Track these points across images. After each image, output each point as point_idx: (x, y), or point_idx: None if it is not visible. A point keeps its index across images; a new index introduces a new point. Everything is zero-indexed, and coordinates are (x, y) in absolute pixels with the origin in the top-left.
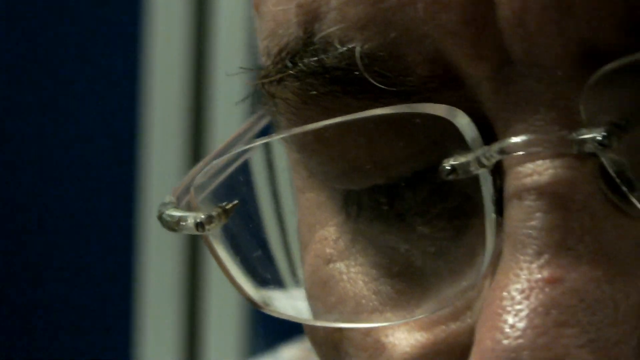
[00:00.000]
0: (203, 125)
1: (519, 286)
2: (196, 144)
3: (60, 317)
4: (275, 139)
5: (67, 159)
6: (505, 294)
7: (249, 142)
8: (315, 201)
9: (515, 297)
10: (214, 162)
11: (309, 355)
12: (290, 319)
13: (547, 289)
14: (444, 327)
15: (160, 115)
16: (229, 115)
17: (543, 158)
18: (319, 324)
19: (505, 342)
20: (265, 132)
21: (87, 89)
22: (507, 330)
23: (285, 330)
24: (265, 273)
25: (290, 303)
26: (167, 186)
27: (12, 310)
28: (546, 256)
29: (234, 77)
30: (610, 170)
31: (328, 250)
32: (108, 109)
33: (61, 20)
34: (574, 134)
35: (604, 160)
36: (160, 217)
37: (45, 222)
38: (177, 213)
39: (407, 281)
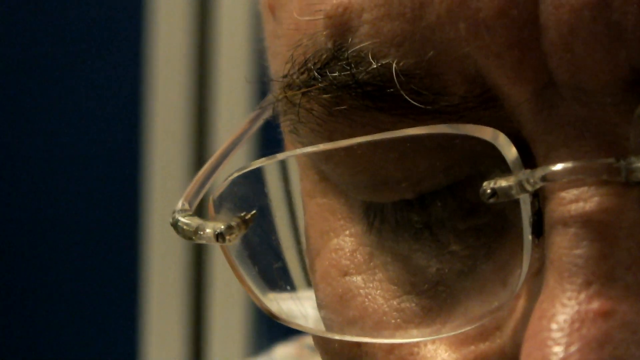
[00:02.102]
0: (206, 127)
1: (567, 317)
2: (200, 146)
3: (65, 317)
4: (304, 152)
5: (71, 161)
6: (554, 325)
7: (244, 141)
8: (328, 207)
9: (565, 328)
10: (235, 174)
11: (303, 354)
12: (309, 331)
13: (598, 322)
14: (472, 347)
15: (164, 116)
16: (232, 117)
17: (588, 185)
18: (345, 337)
19: None
20: (265, 131)
21: (89, 91)
22: None
23: (291, 331)
24: (282, 283)
25: (292, 306)
26: (170, 187)
27: (16, 312)
28: (595, 286)
29: (236, 78)
30: None
31: (344, 262)
32: (111, 111)
33: (64, 20)
34: (622, 162)
35: None
36: (176, 225)
37: (49, 224)
38: (194, 222)
39: (433, 298)
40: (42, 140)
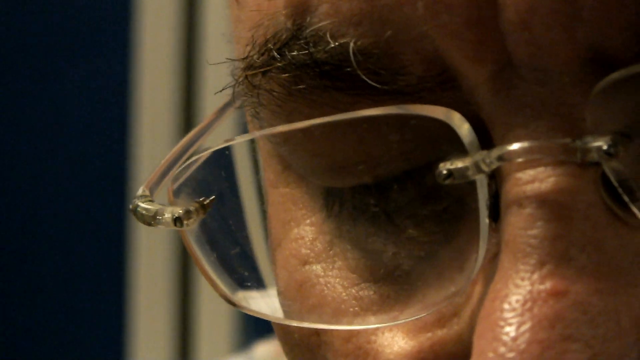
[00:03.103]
0: (194, 123)
1: (520, 297)
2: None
3: (52, 316)
4: (261, 134)
5: (58, 159)
6: (506, 305)
7: (211, 131)
8: (291, 197)
9: (517, 308)
10: (193, 157)
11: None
12: (267, 318)
13: (550, 301)
14: (429, 334)
15: (151, 112)
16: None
17: (544, 165)
18: (303, 324)
19: (510, 355)
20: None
21: (77, 89)
22: (510, 343)
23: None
24: (242, 270)
25: (263, 304)
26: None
27: (3, 311)
28: (549, 267)
29: (224, 72)
30: (613, 179)
31: (304, 251)
32: (98, 110)
33: (52, 17)
34: (578, 142)
35: (606, 169)
36: (135, 211)
37: (35, 222)
38: (152, 207)
39: (391, 285)
40: (27, 139)
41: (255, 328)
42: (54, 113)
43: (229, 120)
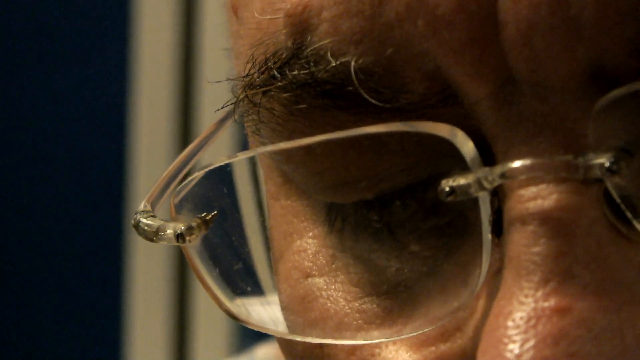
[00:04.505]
0: (192, 128)
1: (524, 314)
2: (185, 147)
3: (49, 319)
4: (263, 151)
5: (54, 165)
6: (510, 322)
7: (210, 143)
8: (292, 209)
9: (521, 325)
10: (196, 173)
11: None
12: (271, 332)
13: (554, 319)
14: (433, 348)
15: (149, 117)
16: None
17: (547, 182)
18: (306, 339)
19: None
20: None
21: (75, 89)
22: None
23: None
24: (244, 284)
25: (261, 311)
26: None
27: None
28: (552, 284)
29: (223, 83)
30: (615, 196)
31: (306, 264)
32: (96, 112)
33: (50, 17)
34: (580, 159)
35: (609, 185)
36: (137, 226)
37: (32, 228)
38: (154, 223)
39: (394, 299)
40: (24, 144)
41: (254, 330)
42: (50, 116)
43: (228, 131)
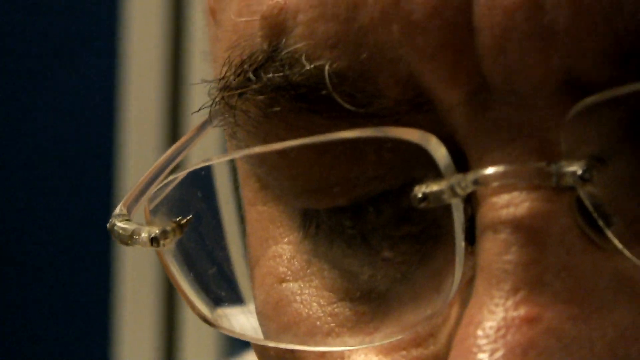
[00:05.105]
0: (181, 131)
1: (494, 324)
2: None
3: (38, 319)
4: (237, 155)
5: (42, 168)
6: (480, 332)
7: (189, 148)
8: (268, 215)
9: (491, 335)
10: (171, 176)
11: None
12: (242, 337)
13: (524, 328)
14: (404, 352)
15: (137, 119)
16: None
17: (519, 189)
18: (271, 344)
19: None
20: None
21: (63, 91)
22: None
23: None
24: (221, 289)
25: (243, 320)
26: None
27: None
28: (522, 293)
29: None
30: (588, 204)
31: (281, 269)
32: (84, 115)
33: (39, 18)
34: (552, 166)
35: (581, 193)
36: (112, 230)
37: (21, 224)
38: (129, 226)
39: (367, 305)
40: (15, 137)
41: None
42: (38, 118)
43: (210, 136)
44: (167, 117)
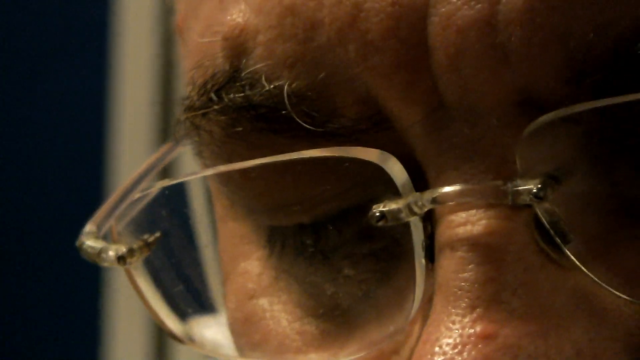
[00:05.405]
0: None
1: (451, 340)
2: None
3: (28, 322)
4: (200, 176)
5: (36, 165)
6: (437, 349)
7: (161, 169)
8: (238, 232)
9: (448, 352)
10: (138, 195)
11: None
12: (212, 354)
13: (480, 345)
14: None
15: (129, 124)
16: None
17: (476, 208)
18: None
19: None
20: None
21: (54, 91)
22: None
23: None
24: (188, 306)
25: (217, 331)
26: None
27: None
28: (479, 310)
29: None
30: (545, 222)
31: (250, 285)
32: (75, 116)
33: (30, 19)
34: (508, 185)
35: (538, 211)
36: (81, 248)
37: (10, 227)
38: (97, 245)
39: (332, 322)
40: (5, 137)
41: None
42: (29, 120)
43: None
44: (158, 119)
